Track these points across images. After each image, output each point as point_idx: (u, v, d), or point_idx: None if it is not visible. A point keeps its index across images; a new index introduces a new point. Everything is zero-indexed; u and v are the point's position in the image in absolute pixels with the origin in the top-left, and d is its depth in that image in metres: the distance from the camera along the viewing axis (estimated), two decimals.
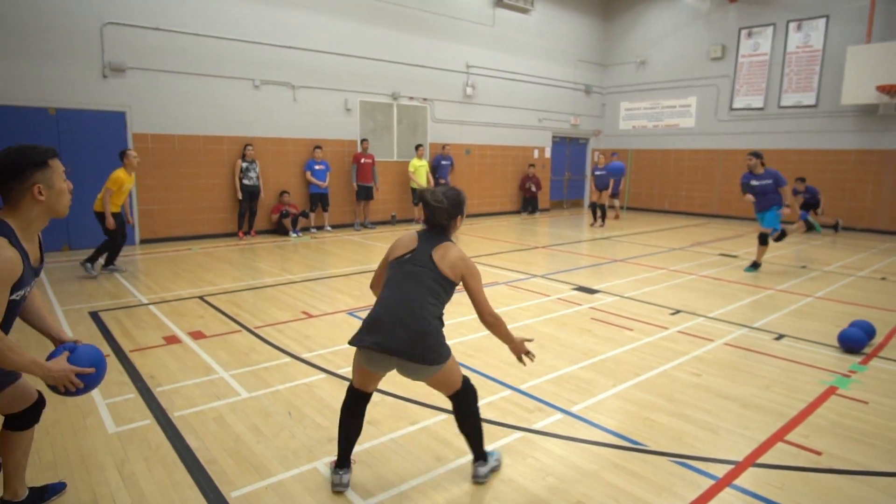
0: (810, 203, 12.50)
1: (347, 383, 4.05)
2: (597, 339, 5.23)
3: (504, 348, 4.83)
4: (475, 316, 5.99)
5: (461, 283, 2.80)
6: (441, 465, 3.06)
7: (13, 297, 2.13)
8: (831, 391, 4.12)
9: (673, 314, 6.06)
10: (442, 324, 2.72)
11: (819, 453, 3.24)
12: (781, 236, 8.29)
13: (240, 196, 10.62)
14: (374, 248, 10.15)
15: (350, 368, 4.37)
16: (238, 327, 5.40)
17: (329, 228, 12.07)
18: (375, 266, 8.53)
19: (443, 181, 13.59)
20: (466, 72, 14.33)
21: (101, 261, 7.66)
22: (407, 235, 2.85)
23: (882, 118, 12.75)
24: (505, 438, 3.35)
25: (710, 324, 5.75)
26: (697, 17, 15.71)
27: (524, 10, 15.10)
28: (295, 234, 11.17)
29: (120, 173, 7.28)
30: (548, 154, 16.96)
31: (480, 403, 3.77)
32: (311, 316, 5.78)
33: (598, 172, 13.49)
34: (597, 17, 17.46)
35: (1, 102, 8.44)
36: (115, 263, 7.77)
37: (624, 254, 9.83)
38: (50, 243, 8.98)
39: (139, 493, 2.79)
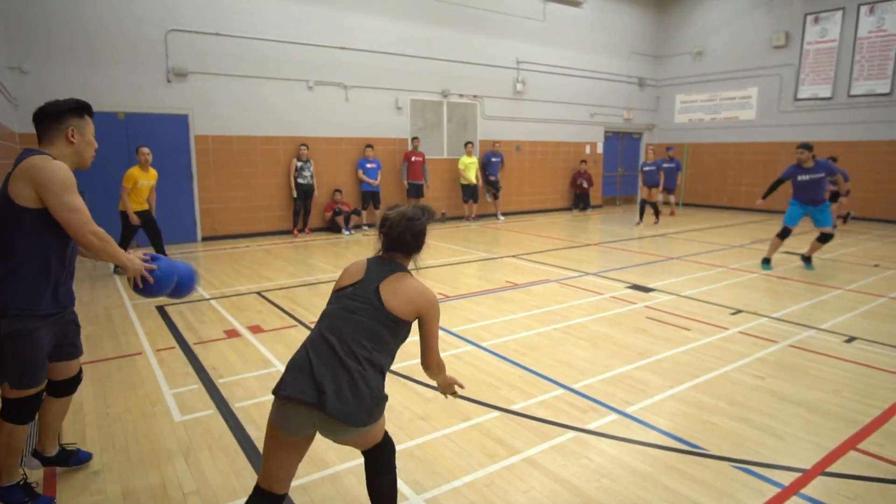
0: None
1: (402, 379, 4.12)
2: (652, 338, 5.09)
3: (557, 346, 4.82)
4: (527, 313, 5.98)
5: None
6: (493, 462, 3.06)
7: None
8: None
9: (733, 314, 5.84)
10: (383, 376, 2.19)
11: None
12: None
13: (294, 194, 10.91)
14: (425, 244, 10.20)
15: (405, 363, 4.43)
16: (294, 322, 5.55)
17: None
18: (427, 263, 8.62)
19: (493, 178, 13.57)
20: (517, 68, 14.21)
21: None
22: (356, 264, 2.36)
23: None
24: (558, 438, 3.31)
25: (773, 324, 5.51)
26: (758, 4, 15.04)
27: (576, 4, 14.84)
28: (347, 232, 11.38)
29: (132, 170, 7.43)
30: (600, 149, 16.63)
31: (532, 401, 3.78)
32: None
33: (647, 168, 12.99)
34: (651, 7, 16.98)
35: None
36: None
37: (680, 251, 9.54)
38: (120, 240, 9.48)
39: (203, 479, 2.91)
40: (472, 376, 4.22)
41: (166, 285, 2.68)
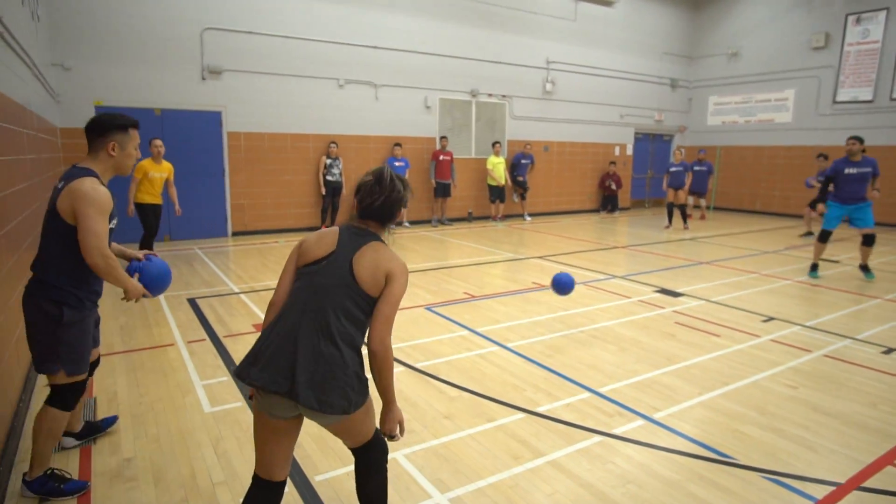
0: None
1: (426, 377, 4.13)
2: (681, 344, 5.01)
3: (583, 349, 4.78)
4: (553, 315, 5.94)
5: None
6: (518, 464, 3.05)
7: (109, 225, 2.63)
8: None
9: (765, 321, 5.71)
10: (360, 357, 2.04)
11: None
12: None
13: (323, 191, 11.02)
14: (451, 244, 10.23)
15: (430, 362, 4.44)
16: None
17: (407, 224, 12.29)
18: (453, 262, 8.70)
19: (521, 178, 13.49)
20: (546, 68, 14.12)
21: None
22: (325, 231, 2.15)
23: None
24: (583, 442, 3.29)
25: (807, 333, 5.37)
26: (798, 4, 14.65)
27: (608, 3, 14.66)
28: None
29: (143, 162, 7.36)
30: (629, 151, 16.41)
31: (558, 404, 3.75)
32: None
33: (673, 169, 12.51)
34: (685, 7, 16.68)
35: (114, 104, 9.20)
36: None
37: (710, 256, 9.36)
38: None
39: (232, 470, 2.96)
40: (497, 377, 4.21)
41: (159, 291, 2.96)
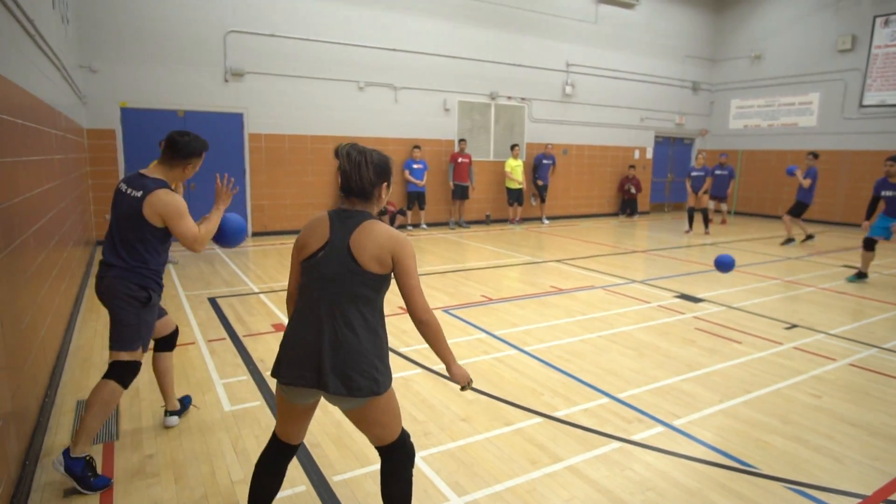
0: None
1: (444, 380, 4.13)
2: (701, 350, 4.95)
3: (601, 354, 4.74)
4: (571, 319, 5.91)
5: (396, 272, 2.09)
6: (536, 468, 3.03)
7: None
8: None
9: (788, 329, 5.61)
10: (381, 338, 2.11)
11: None
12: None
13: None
14: (469, 246, 10.22)
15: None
16: None
17: (425, 226, 12.32)
18: (470, 265, 8.69)
19: (541, 182, 13.45)
20: (566, 70, 14.06)
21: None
22: (316, 221, 2.14)
23: None
24: (602, 447, 3.26)
25: (831, 341, 5.27)
26: (823, 6, 14.40)
27: (629, 6, 14.57)
28: None
29: (152, 166, 7.49)
30: (649, 155, 16.26)
31: (576, 409, 3.73)
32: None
33: (695, 174, 12.37)
34: (708, 9, 16.50)
35: (139, 106, 9.37)
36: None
37: None
38: None
39: (251, 468, 2.97)
40: (515, 381, 4.20)
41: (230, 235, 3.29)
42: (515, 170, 12.90)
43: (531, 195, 13.73)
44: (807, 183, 10.49)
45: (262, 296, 6.52)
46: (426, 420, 3.54)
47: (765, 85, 15.79)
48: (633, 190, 15.39)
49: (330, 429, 3.40)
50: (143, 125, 9.35)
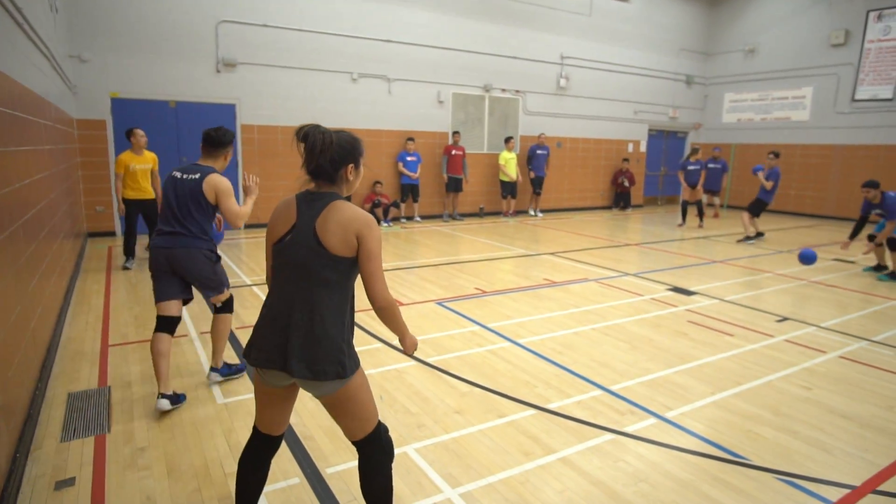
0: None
1: (437, 372, 4.13)
2: (694, 343, 4.97)
3: (595, 346, 4.76)
4: (564, 312, 5.93)
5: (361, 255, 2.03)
6: (529, 460, 3.04)
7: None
8: None
9: (779, 321, 5.65)
10: (347, 323, 2.10)
11: None
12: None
13: None
14: (462, 239, 10.21)
15: (442, 357, 4.44)
16: None
17: (419, 219, 12.29)
18: (464, 257, 8.68)
19: (533, 174, 13.42)
20: (561, 63, 14.02)
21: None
22: (283, 204, 2.12)
23: None
24: (595, 439, 3.27)
25: (822, 334, 5.31)
26: (817, 1, 14.42)
27: None
28: (386, 224, 11.47)
29: (123, 155, 6.98)
30: (643, 148, 16.28)
31: (569, 401, 3.74)
32: (401, 304, 5.93)
33: (690, 167, 12.48)
34: (702, 3, 16.48)
35: (131, 96, 9.27)
36: (132, 262, 7.28)
37: (724, 255, 9.27)
38: None
39: None
40: (509, 373, 4.21)
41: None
42: (509, 163, 12.88)
43: (530, 186, 13.62)
44: (769, 185, 10.40)
45: (254, 288, 6.49)
46: (420, 412, 3.54)
47: (758, 79, 15.82)
48: (626, 183, 15.42)
49: (323, 421, 3.40)
50: (135, 116, 9.25)
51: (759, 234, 10.63)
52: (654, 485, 2.85)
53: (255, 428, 2.26)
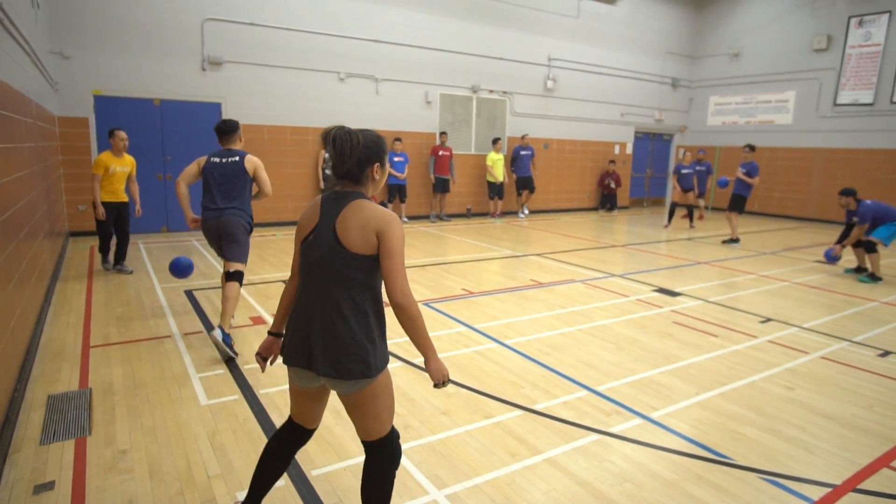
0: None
1: (424, 373, 4.11)
2: (679, 343, 5.01)
3: (581, 347, 4.78)
4: (551, 313, 5.94)
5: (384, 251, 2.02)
6: (515, 461, 3.04)
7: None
8: None
9: (763, 322, 5.72)
10: (373, 321, 2.07)
11: None
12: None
13: (322, 186, 10.99)
14: (450, 240, 10.21)
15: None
16: None
17: (406, 220, 12.27)
18: (451, 258, 8.68)
19: (517, 175, 13.43)
20: (548, 65, 14.08)
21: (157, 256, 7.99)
22: (311, 204, 2.16)
23: None
24: (581, 440, 3.28)
25: (804, 335, 5.38)
26: (800, 6, 14.63)
27: (610, 1, 14.63)
28: None
29: (103, 156, 6.67)
30: (629, 150, 16.40)
31: (555, 402, 3.75)
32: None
33: (684, 171, 12.66)
34: (688, 6, 16.65)
35: (115, 94, 9.15)
36: (110, 260, 6.99)
37: (708, 256, 9.37)
38: (150, 225, 9.67)
39: (228, 463, 2.95)
40: (495, 374, 4.21)
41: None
42: (497, 164, 12.90)
43: (516, 188, 13.64)
44: (755, 181, 10.50)
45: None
46: (406, 413, 3.53)
47: (743, 82, 16.01)
48: (612, 185, 15.52)
49: None
50: (118, 113, 9.13)
51: (735, 240, 10.62)
52: (639, 485, 2.86)
53: (289, 417, 2.32)
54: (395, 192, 11.93)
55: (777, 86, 15.25)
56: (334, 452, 3.07)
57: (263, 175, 4.68)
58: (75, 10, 8.70)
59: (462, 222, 12.63)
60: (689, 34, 16.89)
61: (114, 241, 7.02)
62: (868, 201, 7.78)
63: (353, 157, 2.04)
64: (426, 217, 12.78)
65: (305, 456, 3.03)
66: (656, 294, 6.72)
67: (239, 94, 10.20)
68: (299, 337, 2.07)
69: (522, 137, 13.49)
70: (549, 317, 5.69)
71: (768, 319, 5.82)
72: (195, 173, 4.62)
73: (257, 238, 9.72)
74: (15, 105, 4.39)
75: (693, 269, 8.34)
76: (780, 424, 3.56)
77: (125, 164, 6.90)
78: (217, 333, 4.23)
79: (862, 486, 2.92)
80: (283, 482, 2.79)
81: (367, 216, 2.01)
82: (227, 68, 10.02)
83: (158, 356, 4.37)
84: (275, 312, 2.34)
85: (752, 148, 10.66)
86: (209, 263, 7.66)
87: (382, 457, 2.16)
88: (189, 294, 6.13)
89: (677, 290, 6.93)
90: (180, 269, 5.50)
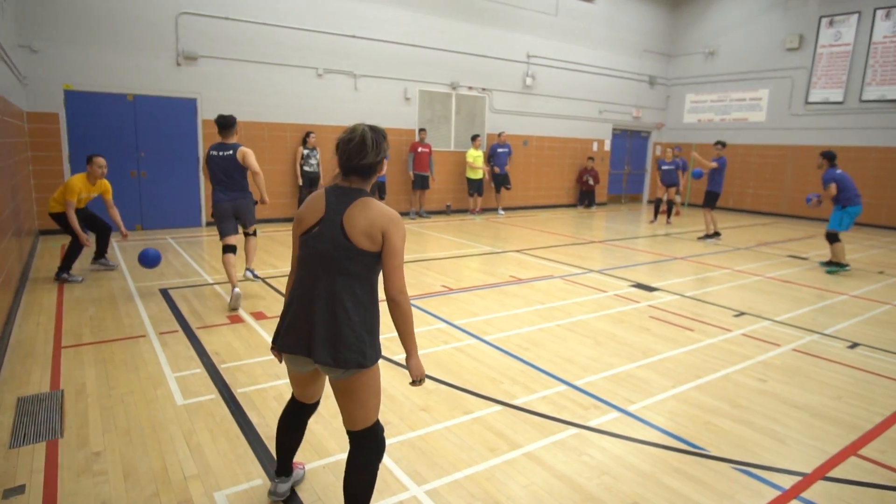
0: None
1: (404, 370, 4.11)
2: (655, 338, 5.09)
3: (559, 342, 4.82)
4: (530, 308, 5.98)
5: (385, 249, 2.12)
6: (495, 456, 3.06)
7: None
8: None
9: (737, 316, 5.83)
10: (371, 313, 2.18)
11: None
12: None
13: (301, 182, 10.89)
14: (429, 237, 10.21)
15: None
16: None
17: None
18: (430, 255, 8.67)
19: (498, 171, 13.46)
20: (527, 62, 14.14)
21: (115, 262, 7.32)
22: (314, 196, 2.21)
23: None
24: (559, 434, 3.31)
25: (776, 328, 5.49)
26: (773, 6, 14.90)
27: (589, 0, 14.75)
28: None
29: (76, 181, 6.37)
30: (607, 147, 16.56)
31: (534, 397, 3.78)
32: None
33: (665, 167, 12.81)
34: (665, 5, 16.85)
35: (86, 89, 8.95)
36: (71, 272, 6.45)
37: (684, 251, 9.51)
38: (125, 223, 9.46)
39: (205, 464, 2.91)
40: (475, 370, 4.22)
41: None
42: (476, 160, 12.92)
43: (493, 185, 13.68)
44: (713, 165, 10.69)
45: (216, 287, 6.35)
46: (385, 410, 3.52)
47: (718, 80, 16.26)
48: (591, 181, 15.65)
49: None
50: (90, 109, 8.94)
51: (717, 234, 10.85)
52: (616, 477, 2.90)
53: (292, 395, 2.51)
54: (375, 189, 11.86)
55: (751, 84, 15.51)
56: (313, 450, 3.05)
57: (251, 161, 5.42)
58: (44, 2, 8.48)
59: (442, 219, 12.63)
60: (666, 33, 17.09)
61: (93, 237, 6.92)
62: (838, 170, 8.09)
63: (378, 154, 2.15)
64: (406, 214, 12.75)
65: None
66: (634, 289, 6.80)
67: (214, 90, 10.05)
68: (299, 325, 2.14)
69: (500, 135, 13.51)
70: (528, 312, 5.73)
71: (742, 313, 5.93)
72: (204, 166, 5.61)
73: None
74: None
75: (669, 264, 8.46)
76: (753, 416, 3.64)
77: (97, 191, 6.68)
78: (249, 274, 6.08)
79: (831, 474, 3.00)
80: (262, 481, 2.77)
81: (374, 215, 2.09)
82: (202, 63, 9.86)
83: (133, 356, 4.30)
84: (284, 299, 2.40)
85: (723, 144, 10.97)
86: (185, 261, 7.55)
87: (367, 447, 2.24)
88: (164, 293, 6.03)
89: (654, 285, 7.03)
90: (149, 259, 5.96)
